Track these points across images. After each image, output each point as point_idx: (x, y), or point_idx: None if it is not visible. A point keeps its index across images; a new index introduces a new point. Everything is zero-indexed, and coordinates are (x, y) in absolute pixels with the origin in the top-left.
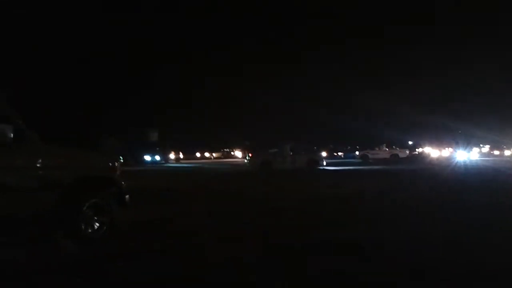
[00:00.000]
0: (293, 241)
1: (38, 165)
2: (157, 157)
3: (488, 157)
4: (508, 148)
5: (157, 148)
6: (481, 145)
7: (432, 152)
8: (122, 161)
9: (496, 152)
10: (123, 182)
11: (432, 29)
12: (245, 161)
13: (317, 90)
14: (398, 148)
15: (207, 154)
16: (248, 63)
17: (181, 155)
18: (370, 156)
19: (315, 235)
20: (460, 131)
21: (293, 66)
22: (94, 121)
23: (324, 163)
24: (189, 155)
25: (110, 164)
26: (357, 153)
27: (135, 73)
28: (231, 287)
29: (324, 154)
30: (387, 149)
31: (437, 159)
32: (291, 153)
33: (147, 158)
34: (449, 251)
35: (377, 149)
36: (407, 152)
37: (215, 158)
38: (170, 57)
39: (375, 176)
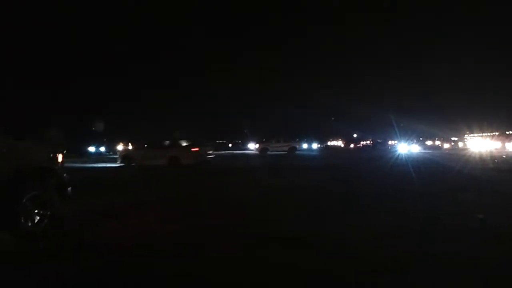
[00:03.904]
0: None
1: None
2: (102, 149)
3: (428, 150)
4: (447, 142)
5: (104, 139)
6: (421, 139)
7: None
8: (64, 152)
9: (436, 144)
10: (65, 174)
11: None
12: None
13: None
14: (297, 141)
15: None
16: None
17: (130, 146)
18: (270, 148)
19: None
20: (402, 125)
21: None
22: (37, 111)
23: None
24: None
25: (52, 155)
26: (256, 145)
27: (83, 62)
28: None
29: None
30: (286, 143)
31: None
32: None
33: (92, 149)
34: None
35: (273, 141)
36: (303, 145)
37: None
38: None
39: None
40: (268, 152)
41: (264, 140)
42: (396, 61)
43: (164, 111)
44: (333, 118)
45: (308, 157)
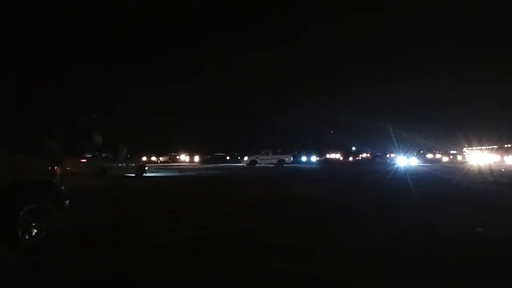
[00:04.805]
0: None
1: None
2: None
3: (427, 163)
4: (446, 155)
5: (96, 152)
6: (422, 152)
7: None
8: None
9: (437, 157)
10: (63, 187)
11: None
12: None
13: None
14: (295, 153)
15: (153, 158)
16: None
17: None
18: (258, 161)
19: None
20: (401, 138)
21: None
22: (34, 123)
23: None
24: (136, 159)
25: (49, 168)
26: (245, 158)
27: (79, 74)
28: None
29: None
30: (274, 155)
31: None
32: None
33: None
34: None
35: (263, 153)
36: (291, 158)
37: (161, 162)
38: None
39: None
40: (257, 165)
41: (254, 152)
42: (394, 74)
43: (164, 112)
44: (332, 131)
45: (293, 172)
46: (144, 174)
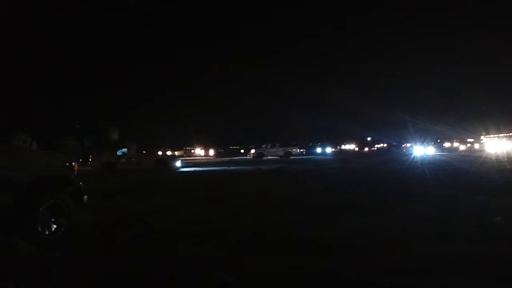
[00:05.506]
0: None
1: None
2: None
3: (444, 152)
4: (463, 143)
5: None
6: (439, 141)
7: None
8: (81, 161)
9: (454, 145)
10: (81, 183)
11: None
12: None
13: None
14: (291, 146)
15: (169, 153)
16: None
17: None
18: (265, 153)
19: None
20: (417, 127)
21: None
22: (51, 120)
23: None
24: (152, 153)
25: (67, 164)
26: (252, 151)
27: (95, 72)
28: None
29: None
30: (280, 147)
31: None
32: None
33: None
34: None
35: (269, 145)
36: (299, 150)
37: (176, 156)
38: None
39: None
40: (264, 158)
41: (261, 144)
42: (411, 61)
43: (184, 107)
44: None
45: (306, 164)
46: (177, 168)
